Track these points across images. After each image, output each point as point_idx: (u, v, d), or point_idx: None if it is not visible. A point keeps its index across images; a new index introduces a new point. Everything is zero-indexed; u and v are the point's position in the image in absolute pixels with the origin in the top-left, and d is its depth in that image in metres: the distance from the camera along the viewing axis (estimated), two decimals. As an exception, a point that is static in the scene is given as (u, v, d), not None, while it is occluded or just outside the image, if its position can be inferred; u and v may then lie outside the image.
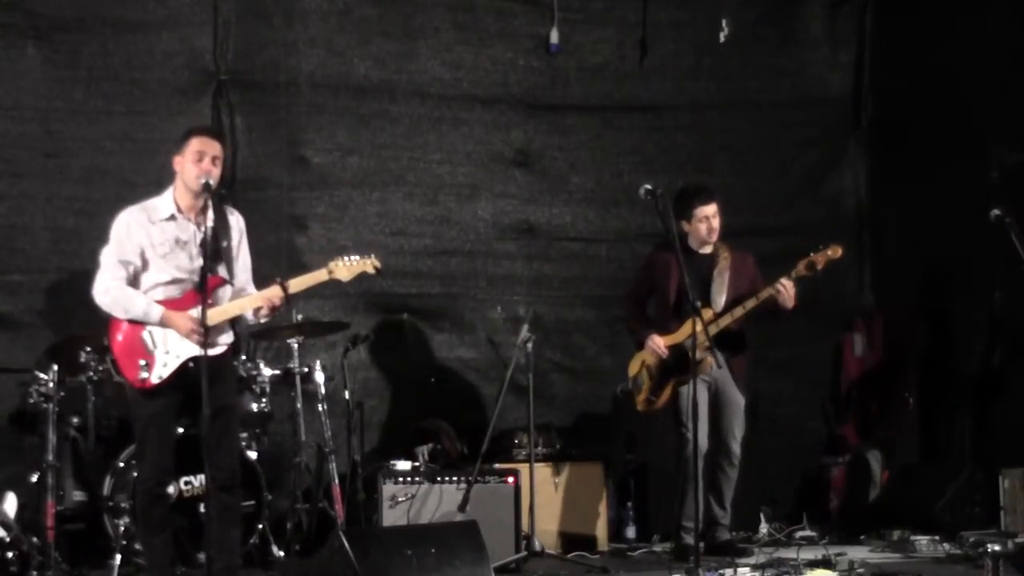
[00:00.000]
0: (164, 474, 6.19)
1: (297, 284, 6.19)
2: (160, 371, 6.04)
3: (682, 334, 7.42)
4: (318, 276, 6.25)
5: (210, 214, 6.03)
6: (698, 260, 7.71)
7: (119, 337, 6.11)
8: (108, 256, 6.11)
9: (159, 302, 6.05)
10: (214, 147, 6.10)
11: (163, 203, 6.12)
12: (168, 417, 6.12)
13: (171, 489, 6.61)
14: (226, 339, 6.23)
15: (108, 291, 6.08)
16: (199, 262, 5.95)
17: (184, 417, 6.52)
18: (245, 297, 6.17)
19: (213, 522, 6.04)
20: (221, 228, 6.12)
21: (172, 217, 6.10)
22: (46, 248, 8.07)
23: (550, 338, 8.97)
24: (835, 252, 7.50)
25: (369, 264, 6.30)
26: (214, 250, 6.03)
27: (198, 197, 6.02)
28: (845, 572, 6.76)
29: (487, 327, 8.98)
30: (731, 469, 7.75)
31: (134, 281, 6.09)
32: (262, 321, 6.35)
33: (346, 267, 6.25)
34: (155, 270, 6.07)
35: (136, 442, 6.39)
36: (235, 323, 6.30)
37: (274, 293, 6.09)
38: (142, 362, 6.03)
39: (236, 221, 6.27)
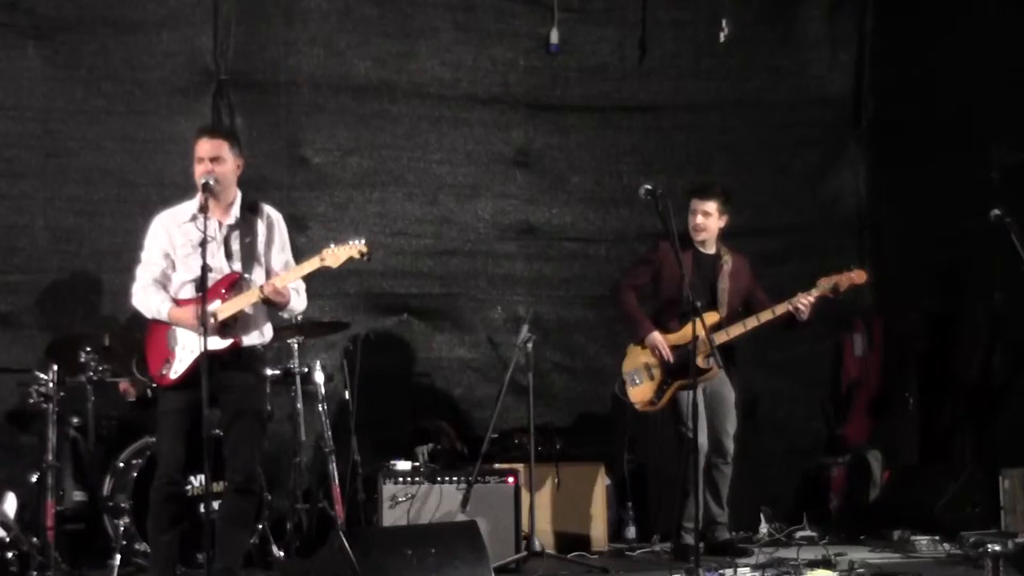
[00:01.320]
0: (177, 472, 6.15)
1: (292, 274, 6.21)
2: (177, 367, 6.10)
3: (687, 335, 7.37)
4: (311, 264, 6.24)
5: (235, 212, 6.17)
6: (703, 260, 7.71)
7: (150, 336, 6.25)
8: (142, 258, 6.26)
9: (186, 300, 6.12)
10: (208, 147, 6.15)
11: (189, 205, 6.20)
12: (185, 414, 6.07)
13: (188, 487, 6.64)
14: (254, 336, 6.23)
15: (135, 293, 6.24)
16: (220, 257, 6.08)
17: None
18: (249, 291, 6.17)
19: (218, 522, 6.07)
20: (242, 225, 6.18)
21: (193, 218, 6.14)
22: (46, 248, 8.07)
23: (550, 338, 8.97)
24: (860, 277, 7.50)
25: (355, 249, 6.25)
26: (228, 248, 6.12)
27: (219, 198, 6.10)
28: (845, 572, 6.76)
29: (487, 327, 8.98)
30: (725, 466, 7.74)
31: (167, 281, 6.20)
32: (286, 315, 6.44)
33: (334, 254, 6.24)
34: (182, 270, 6.18)
35: (156, 437, 6.47)
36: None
37: (266, 285, 6.11)
38: (167, 359, 6.12)
39: (266, 217, 6.31)
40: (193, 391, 5.97)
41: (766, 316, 7.51)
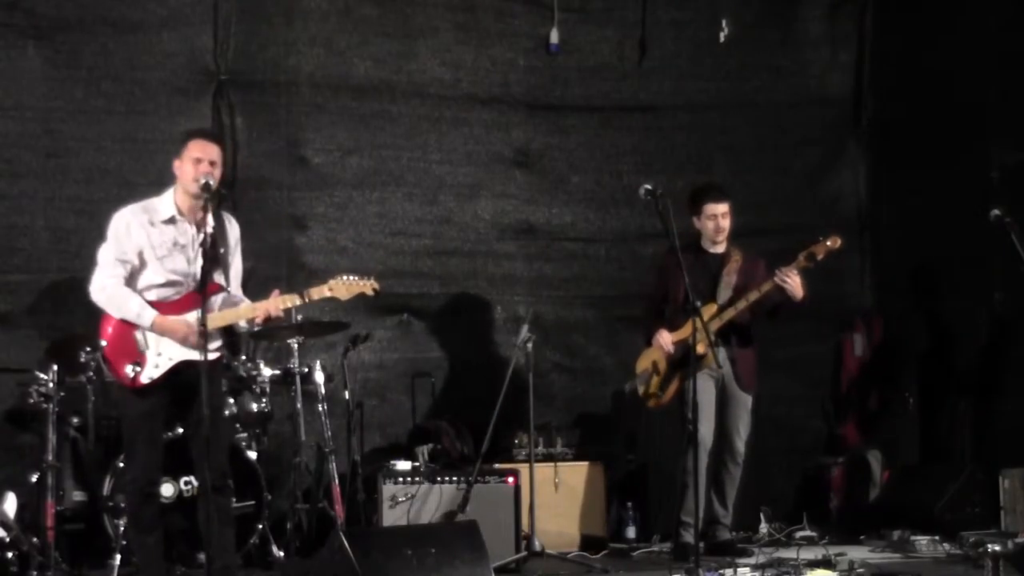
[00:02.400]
0: (154, 473, 6.19)
1: (293, 299, 6.22)
2: (151, 371, 6.05)
3: (687, 330, 7.41)
4: (317, 292, 6.27)
5: (210, 219, 6.04)
6: (708, 259, 7.75)
7: (110, 333, 6.12)
8: (106, 253, 6.12)
9: (152, 303, 6.07)
10: (212, 151, 6.11)
11: (164, 205, 6.13)
12: (157, 417, 6.12)
13: (164, 489, 6.65)
14: (218, 344, 6.25)
15: (104, 288, 6.09)
16: (196, 265, 5.97)
17: (176, 419, 6.52)
18: (243, 306, 6.18)
19: (202, 525, 6.05)
20: (219, 234, 6.11)
21: (172, 220, 6.11)
22: (46, 248, 8.07)
23: (550, 338, 8.97)
24: (834, 243, 7.51)
25: (368, 286, 6.36)
26: (212, 255, 6.01)
27: (197, 199, 6.03)
28: (845, 572, 6.76)
29: (487, 327, 8.98)
30: (735, 468, 7.77)
31: (131, 280, 6.10)
32: (255, 329, 6.44)
33: (345, 286, 6.30)
34: (151, 271, 6.09)
35: (125, 442, 6.38)
36: (230, 328, 6.36)
37: (273, 304, 6.12)
38: (133, 361, 6.04)
39: (232, 227, 6.28)
40: (165, 393, 6.02)
41: (754, 296, 7.54)
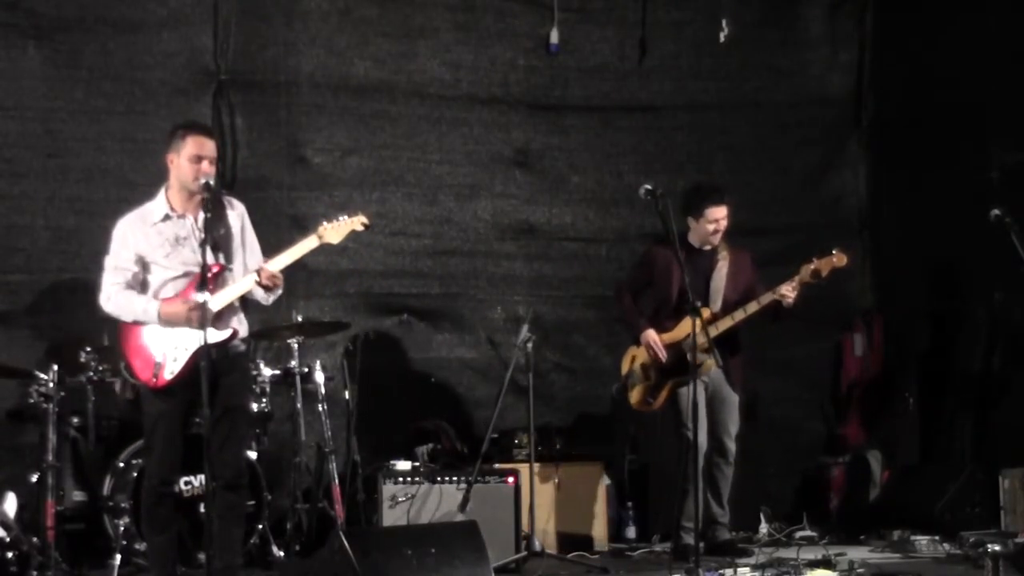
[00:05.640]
0: (170, 473, 6.18)
1: (286, 257, 6.16)
2: (172, 367, 6.04)
3: (680, 333, 7.43)
4: (308, 244, 6.20)
5: (201, 213, 6.01)
6: (698, 258, 7.70)
7: (129, 341, 6.14)
8: (107, 263, 6.17)
9: (169, 298, 6.07)
10: (210, 147, 6.12)
11: (157, 205, 6.16)
12: (177, 415, 6.11)
13: (178, 488, 6.63)
14: (238, 325, 6.20)
15: (110, 298, 6.15)
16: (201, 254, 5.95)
17: (193, 415, 6.48)
18: (243, 279, 6.15)
19: (214, 521, 6.04)
20: (216, 218, 6.09)
21: (166, 217, 6.12)
22: (46, 248, 8.07)
23: (550, 338, 8.97)
24: (840, 260, 7.43)
25: (357, 222, 6.26)
26: (212, 241, 5.99)
27: (193, 195, 6.05)
28: (845, 572, 6.77)
29: (487, 327, 8.98)
30: (727, 467, 7.76)
31: (142, 285, 6.13)
32: (271, 300, 6.31)
33: (334, 229, 6.22)
34: (161, 269, 6.11)
35: (144, 439, 6.38)
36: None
37: (263, 271, 6.08)
38: (155, 362, 6.04)
39: (235, 208, 6.26)
40: (185, 392, 5.98)
41: (752, 308, 7.51)
